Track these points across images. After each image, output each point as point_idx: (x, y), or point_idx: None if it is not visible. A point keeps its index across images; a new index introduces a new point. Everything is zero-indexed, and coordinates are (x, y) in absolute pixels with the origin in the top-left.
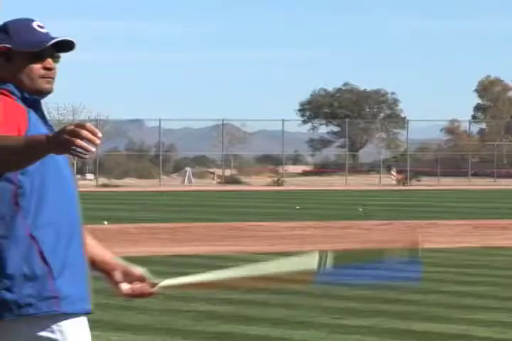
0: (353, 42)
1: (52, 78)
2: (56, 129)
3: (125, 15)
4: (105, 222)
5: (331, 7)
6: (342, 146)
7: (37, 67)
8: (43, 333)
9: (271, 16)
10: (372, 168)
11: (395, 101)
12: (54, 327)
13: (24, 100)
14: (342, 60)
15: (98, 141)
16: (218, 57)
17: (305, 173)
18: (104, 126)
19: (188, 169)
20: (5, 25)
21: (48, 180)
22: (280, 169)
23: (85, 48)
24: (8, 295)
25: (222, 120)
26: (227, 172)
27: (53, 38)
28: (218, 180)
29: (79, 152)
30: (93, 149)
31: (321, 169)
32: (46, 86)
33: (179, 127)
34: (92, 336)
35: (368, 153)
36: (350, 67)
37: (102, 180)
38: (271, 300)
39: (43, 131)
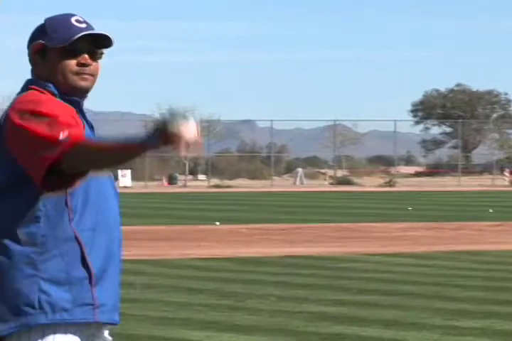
0: (465, 42)
1: (90, 75)
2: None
3: (240, 16)
4: (217, 223)
5: (444, 8)
6: (455, 147)
7: (71, 63)
8: None
9: (385, 18)
10: (485, 169)
11: (508, 102)
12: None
13: (65, 101)
14: (455, 60)
15: (200, 148)
16: (330, 57)
17: (417, 174)
18: (216, 127)
19: (300, 170)
20: (44, 21)
21: (91, 184)
22: (392, 170)
23: (199, 50)
24: (44, 298)
25: (334, 120)
26: (339, 173)
27: (84, 32)
28: (330, 181)
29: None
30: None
31: (434, 170)
32: (81, 83)
33: (291, 128)
34: (205, 336)
35: (480, 154)
36: (462, 68)
37: (214, 181)
38: (383, 302)
39: (88, 130)
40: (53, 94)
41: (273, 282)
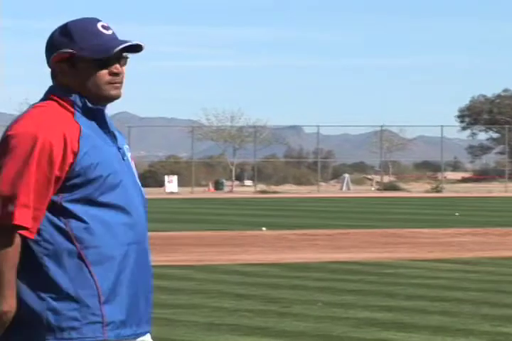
0: None
1: (120, 83)
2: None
3: (287, 21)
4: (264, 228)
5: (492, 13)
6: (501, 153)
7: (103, 73)
8: None
9: (429, 23)
10: None
11: None
12: None
13: (87, 111)
14: (502, 65)
15: None
16: (376, 63)
17: (464, 180)
18: (263, 133)
19: (347, 175)
20: (67, 27)
21: (101, 199)
22: (439, 176)
23: (246, 55)
24: (52, 317)
25: (381, 126)
26: (386, 178)
27: (121, 42)
28: (377, 187)
29: None
30: None
31: (480, 176)
32: (114, 92)
33: (337, 133)
34: None
35: None
36: (510, 73)
37: (261, 187)
38: (430, 308)
39: (98, 143)
40: (73, 105)
41: (320, 288)
